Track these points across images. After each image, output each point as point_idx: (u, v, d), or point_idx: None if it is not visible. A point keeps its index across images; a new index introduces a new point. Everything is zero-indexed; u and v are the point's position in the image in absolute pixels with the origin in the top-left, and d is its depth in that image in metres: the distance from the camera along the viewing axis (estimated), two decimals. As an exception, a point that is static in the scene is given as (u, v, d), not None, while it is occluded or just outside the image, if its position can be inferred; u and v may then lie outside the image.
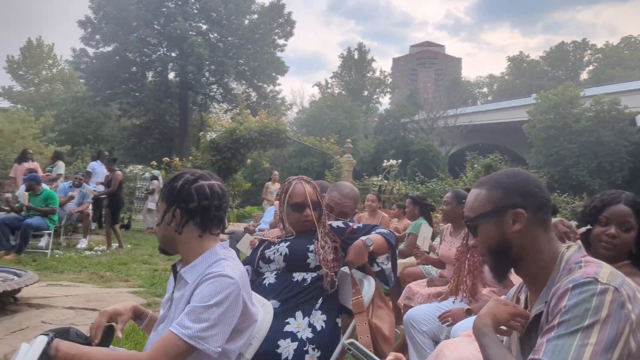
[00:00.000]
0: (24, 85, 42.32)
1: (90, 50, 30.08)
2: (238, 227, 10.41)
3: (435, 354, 1.99)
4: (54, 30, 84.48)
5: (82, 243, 8.71)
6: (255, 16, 32.10)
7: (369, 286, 2.56)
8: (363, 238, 2.48)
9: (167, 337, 1.57)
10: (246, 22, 31.68)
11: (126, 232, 11.54)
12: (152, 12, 29.14)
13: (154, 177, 12.65)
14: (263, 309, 1.99)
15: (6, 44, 79.24)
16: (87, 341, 1.65)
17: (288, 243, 2.53)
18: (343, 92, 48.27)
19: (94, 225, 10.97)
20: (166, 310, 1.80)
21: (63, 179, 11.05)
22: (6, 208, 7.87)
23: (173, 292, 1.80)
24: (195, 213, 1.73)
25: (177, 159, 14.71)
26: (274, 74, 33.03)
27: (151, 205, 11.97)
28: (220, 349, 1.61)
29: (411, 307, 3.45)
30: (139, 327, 1.99)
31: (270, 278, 2.47)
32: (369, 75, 53.05)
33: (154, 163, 14.68)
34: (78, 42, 31.25)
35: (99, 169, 11.13)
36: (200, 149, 15.28)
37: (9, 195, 8.37)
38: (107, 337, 1.75)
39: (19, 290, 4.40)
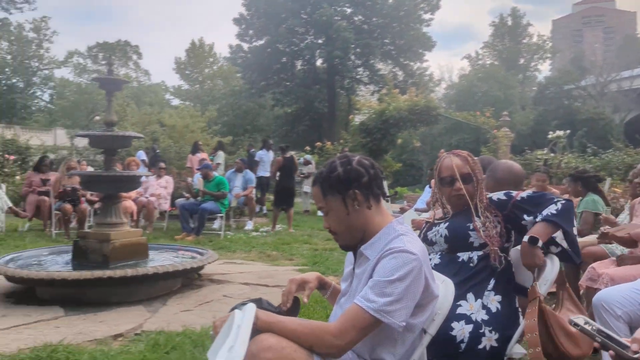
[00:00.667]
0: (190, 83, 46.96)
1: (245, 45, 32.21)
2: (393, 208, 10.39)
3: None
4: (213, 31, 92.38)
5: (249, 225, 9.41)
6: (400, -7, 31.58)
7: (551, 267, 2.32)
8: (525, 238, 2.24)
9: (353, 309, 1.60)
10: (390, 0, 31.31)
11: (286, 213, 12.18)
12: (299, 2, 30.21)
13: (307, 162, 13.18)
14: (444, 285, 1.92)
15: (174, 47, 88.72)
16: (276, 310, 1.73)
17: (447, 224, 2.41)
18: (496, 63, 45.42)
19: (259, 208, 11.86)
20: (347, 285, 1.86)
21: (224, 167, 12.10)
22: (186, 195, 8.78)
23: (354, 268, 1.84)
24: (370, 185, 1.75)
25: (329, 143, 15.12)
26: (420, 51, 32.29)
27: (306, 188, 12.53)
28: (404, 323, 1.61)
29: (594, 289, 3.10)
30: (323, 296, 2.08)
31: (435, 259, 2.39)
32: (524, 41, 49.07)
33: (308, 148, 15.27)
34: (234, 39, 33.72)
35: (266, 157, 11.98)
36: (350, 132, 15.53)
37: (189, 180, 9.34)
38: (294, 307, 1.83)
39: (202, 267, 4.86)
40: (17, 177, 13.07)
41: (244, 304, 1.70)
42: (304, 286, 1.90)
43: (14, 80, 45.77)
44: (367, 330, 1.59)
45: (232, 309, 1.69)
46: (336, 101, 32.70)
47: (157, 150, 13.19)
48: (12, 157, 15.34)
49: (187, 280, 4.98)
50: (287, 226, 9.47)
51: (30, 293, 4.43)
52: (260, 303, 1.72)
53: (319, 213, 12.12)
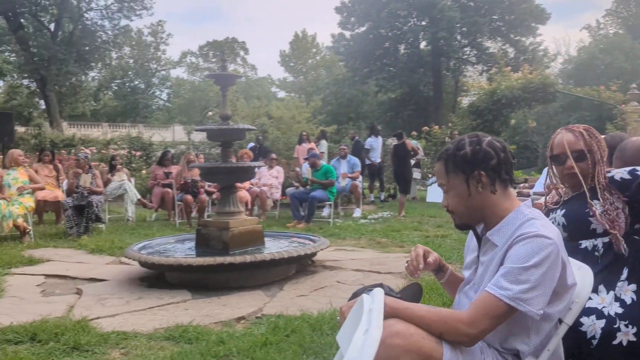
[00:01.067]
0: (294, 75, 48.08)
1: (347, 33, 32.29)
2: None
3: None
4: (315, 21, 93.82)
5: (357, 212, 9.44)
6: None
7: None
8: None
9: (485, 297, 1.53)
10: (497, -27, 29.69)
11: (394, 201, 12.11)
12: (400, -15, 29.64)
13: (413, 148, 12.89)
14: (580, 272, 1.77)
15: (279, 41, 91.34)
16: (398, 296, 1.70)
17: (564, 210, 2.20)
18: (620, 31, 41.27)
19: (372, 196, 11.92)
20: (471, 273, 1.78)
21: (327, 156, 12.24)
22: (296, 184, 9.02)
23: (478, 256, 1.76)
24: (498, 169, 1.65)
25: (436, 127, 14.70)
26: (533, 25, 30.29)
27: (416, 174, 12.32)
28: (542, 312, 1.52)
29: None
30: (438, 281, 2.01)
31: None
32: (654, 5, 44.07)
33: (414, 133, 14.96)
34: (336, 28, 33.92)
35: (375, 143, 12.00)
36: (458, 114, 14.96)
37: (298, 169, 9.59)
38: (417, 293, 1.78)
39: (315, 254, 4.96)
40: (143, 172, 14.25)
41: (367, 288, 1.69)
42: (427, 254, 1.86)
43: (136, 82, 49.94)
44: (501, 319, 1.52)
45: (355, 294, 1.69)
46: (442, 84, 31.75)
47: (262, 143, 13.66)
48: (138, 153, 16.75)
49: (301, 266, 5.12)
50: (395, 213, 9.38)
51: (161, 277, 4.80)
52: (382, 288, 1.70)
53: (429, 199, 11.94)
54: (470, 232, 1.84)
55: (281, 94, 48.09)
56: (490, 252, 1.67)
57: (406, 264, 1.86)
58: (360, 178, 10.20)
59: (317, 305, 3.75)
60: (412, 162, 12.63)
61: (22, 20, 31.41)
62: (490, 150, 1.65)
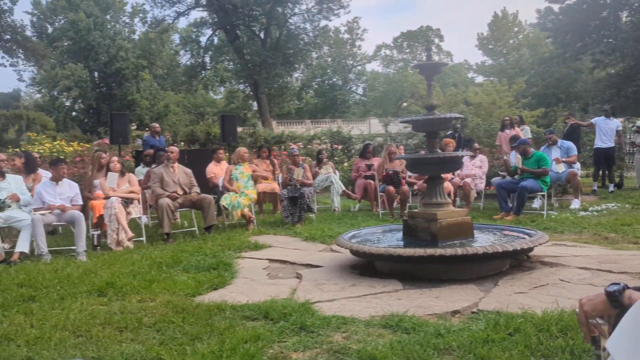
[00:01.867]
0: (494, 58, 45.46)
1: (556, 7, 29.24)
2: None
3: None
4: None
5: (575, 204, 8.49)
6: None
7: None
8: None
9: None
10: None
11: (619, 190, 10.63)
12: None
13: (640, 130, 11.11)
14: None
15: (475, 24, 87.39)
16: None
17: None
18: None
19: (595, 186, 10.67)
20: None
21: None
22: (502, 173, 8.48)
23: None
24: None
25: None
26: None
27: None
28: None
29: None
30: None
31: None
32: None
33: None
34: (541, 2, 31.03)
35: (604, 124, 10.75)
36: None
37: (505, 158, 8.99)
38: None
39: (532, 249, 4.58)
40: (345, 164, 14.93)
41: (620, 287, 1.45)
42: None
43: (334, 79, 52.60)
44: None
45: (608, 293, 1.46)
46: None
47: (460, 131, 13.15)
48: (339, 147, 17.62)
49: (515, 261, 4.78)
50: (624, 204, 8.21)
51: (370, 266, 4.94)
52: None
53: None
54: None
55: (479, 79, 45.99)
56: None
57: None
58: (579, 165, 9.14)
59: (540, 304, 3.44)
60: (637, 145, 10.97)
61: (237, 31, 35.48)
62: None
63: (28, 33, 29.99)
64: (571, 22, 27.42)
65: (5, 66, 26.72)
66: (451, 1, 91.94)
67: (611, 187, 10.70)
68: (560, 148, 8.87)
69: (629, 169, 12.28)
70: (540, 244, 4.55)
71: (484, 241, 4.83)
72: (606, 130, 10.68)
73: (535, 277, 4.28)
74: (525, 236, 4.86)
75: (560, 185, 9.21)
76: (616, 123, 10.95)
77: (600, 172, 11.23)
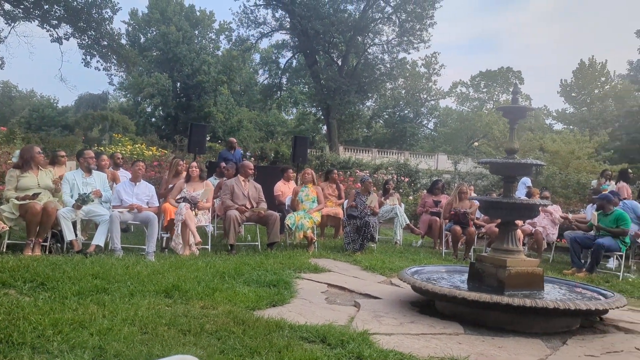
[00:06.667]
0: (576, 106, 43.82)
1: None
2: None
3: None
4: (606, 48, 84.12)
5: (654, 268, 7.97)
6: None
7: None
8: None
9: None
10: None
11: None
12: None
13: None
14: None
15: (559, 69, 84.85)
16: None
17: None
18: None
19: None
20: None
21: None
22: (575, 226, 8.10)
23: None
24: None
25: None
26: None
27: None
28: None
29: None
30: None
31: None
32: None
33: None
34: (634, 54, 29.72)
35: None
36: None
37: (582, 212, 8.59)
38: None
39: (607, 310, 4.33)
40: (410, 197, 14.77)
41: None
42: None
43: (406, 111, 52.42)
44: None
45: None
46: None
47: (531, 180, 12.67)
48: (405, 179, 17.49)
49: (587, 322, 4.53)
50: None
51: (431, 305, 4.83)
52: None
53: None
54: None
55: (558, 127, 44.41)
56: None
57: None
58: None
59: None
60: None
61: (316, 56, 36.30)
62: None
63: (123, 41, 32.03)
64: (664, 77, 26.07)
65: (99, 70, 28.56)
66: (537, 45, 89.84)
67: None
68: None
69: None
70: (617, 307, 4.29)
71: (554, 295, 4.62)
72: None
73: (608, 342, 4.03)
74: (601, 297, 4.61)
75: (639, 247, 8.65)
76: None
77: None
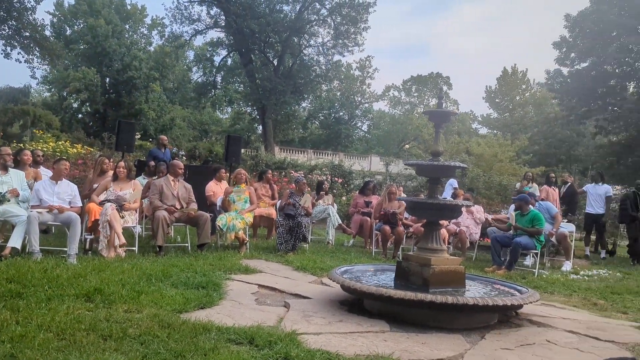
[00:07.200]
0: (499, 112, 46.10)
1: (565, 70, 29.87)
2: None
3: None
4: (527, 57, 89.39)
5: (567, 266, 8.52)
6: None
7: None
8: None
9: None
10: None
11: (611, 258, 10.67)
12: (635, 17, 26.47)
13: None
14: None
15: (485, 76, 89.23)
16: None
17: None
18: None
19: (587, 250, 10.70)
20: None
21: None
22: (496, 225, 8.54)
23: None
24: None
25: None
26: None
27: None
28: None
29: None
30: None
31: None
32: None
33: (640, 182, 13.06)
34: (551, 64, 31.70)
35: (592, 190, 10.91)
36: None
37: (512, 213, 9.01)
38: None
39: (522, 306, 4.59)
40: (343, 198, 14.97)
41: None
42: None
43: (341, 113, 53.14)
44: None
45: None
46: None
47: (457, 181, 13.23)
48: (339, 180, 17.70)
49: (504, 317, 4.78)
50: (615, 272, 8.23)
51: (359, 304, 4.92)
52: None
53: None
54: None
55: (483, 131, 46.56)
56: None
57: None
58: (573, 228, 9.21)
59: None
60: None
61: (252, 55, 36.04)
62: None
63: (47, 33, 30.34)
64: (578, 87, 27.93)
65: (20, 62, 26.79)
66: (465, 52, 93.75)
67: (603, 254, 10.74)
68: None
69: (623, 237, 12.32)
70: (531, 302, 4.56)
71: (475, 292, 4.84)
72: (595, 197, 10.81)
73: (522, 335, 4.28)
74: (517, 292, 4.88)
75: (554, 245, 9.23)
76: (605, 189, 11.05)
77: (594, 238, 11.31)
